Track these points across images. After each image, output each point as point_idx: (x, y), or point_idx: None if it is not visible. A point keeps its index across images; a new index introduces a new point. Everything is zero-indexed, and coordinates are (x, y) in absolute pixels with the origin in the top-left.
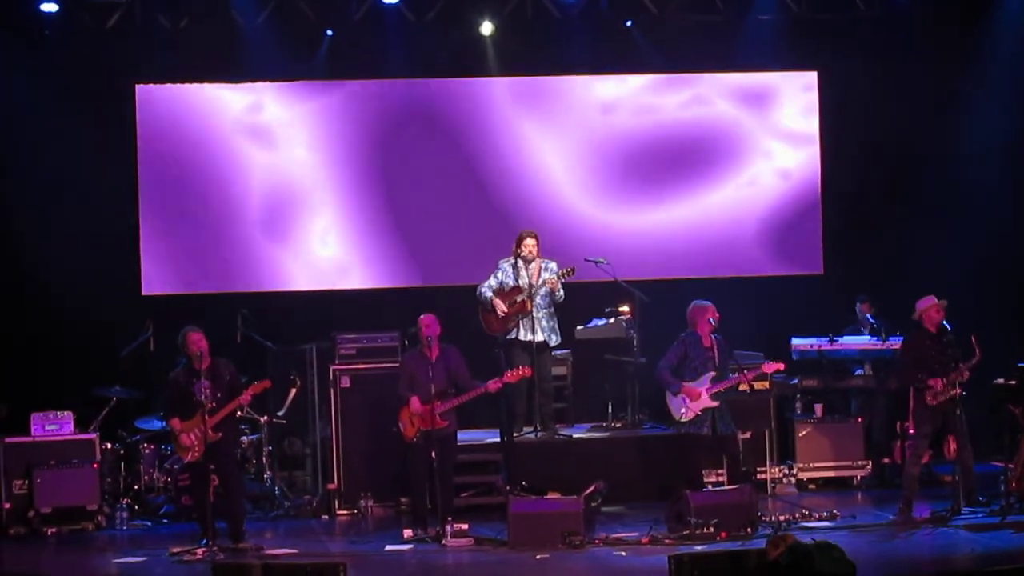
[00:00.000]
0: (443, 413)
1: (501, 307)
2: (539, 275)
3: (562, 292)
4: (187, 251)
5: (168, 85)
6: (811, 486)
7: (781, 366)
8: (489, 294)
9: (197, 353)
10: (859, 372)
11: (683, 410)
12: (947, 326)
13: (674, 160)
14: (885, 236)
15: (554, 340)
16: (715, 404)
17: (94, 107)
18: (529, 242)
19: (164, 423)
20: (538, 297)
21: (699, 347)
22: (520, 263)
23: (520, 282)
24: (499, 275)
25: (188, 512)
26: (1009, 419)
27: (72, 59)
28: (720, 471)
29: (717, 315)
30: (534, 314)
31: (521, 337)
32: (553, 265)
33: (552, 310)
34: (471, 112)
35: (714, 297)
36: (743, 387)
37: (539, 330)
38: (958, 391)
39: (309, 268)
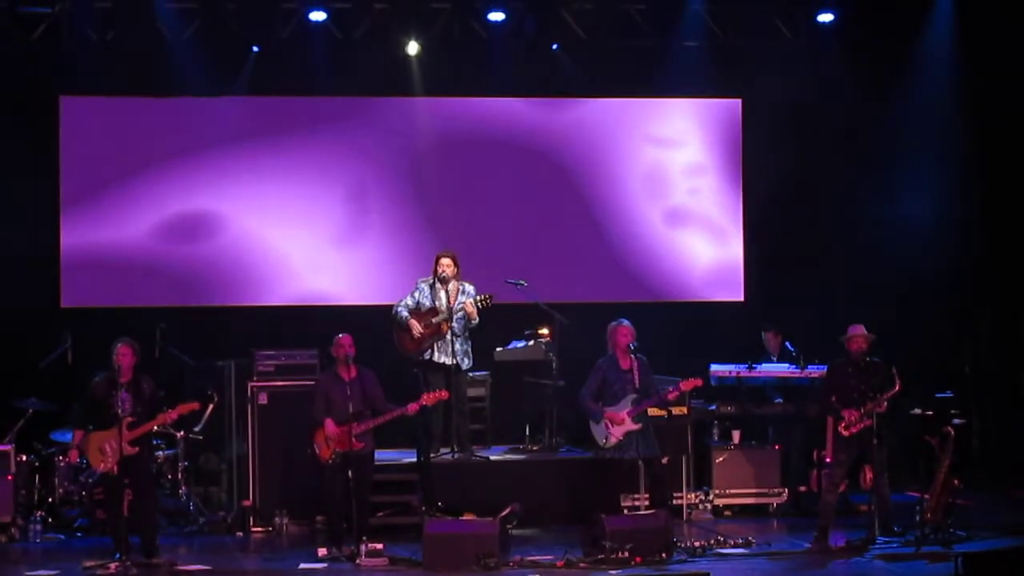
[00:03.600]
0: (359, 434)
1: (417, 328)
2: (456, 296)
3: (477, 319)
4: (108, 264)
5: (93, 98)
6: (727, 512)
7: (699, 382)
8: (405, 314)
9: (118, 365)
10: (778, 400)
11: (607, 436)
12: (876, 360)
13: (597, 183)
14: (806, 263)
15: (466, 364)
16: (638, 427)
17: (18, 118)
18: (445, 261)
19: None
20: (454, 320)
21: (617, 370)
22: (438, 284)
23: (437, 303)
24: (416, 295)
25: (102, 526)
26: (926, 450)
27: None
28: (637, 496)
29: (632, 334)
30: (448, 336)
31: (435, 359)
32: (471, 288)
33: (467, 334)
34: (395, 131)
35: (634, 322)
36: (662, 412)
37: (453, 353)
38: (872, 422)
39: (228, 284)
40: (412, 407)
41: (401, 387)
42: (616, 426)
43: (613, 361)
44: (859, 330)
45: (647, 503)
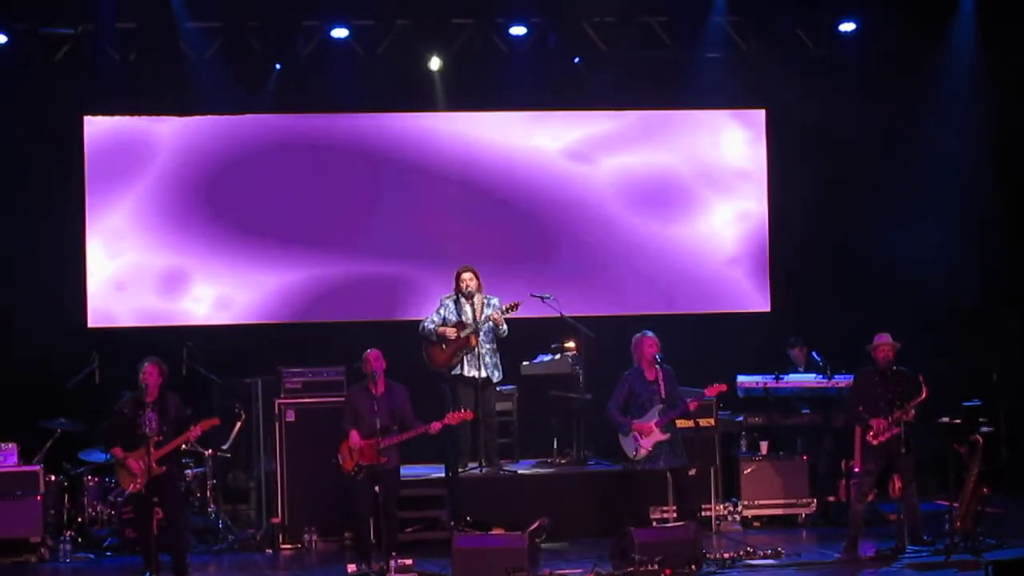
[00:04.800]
0: (384, 449)
1: (452, 332)
2: (482, 310)
3: (505, 327)
4: (134, 283)
5: (116, 118)
6: (756, 523)
7: (723, 387)
8: (432, 327)
9: (145, 385)
10: (805, 411)
11: (636, 448)
12: (902, 369)
13: (620, 196)
14: (832, 274)
15: (497, 376)
16: (666, 437)
17: (42, 139)
18: (466, 276)
19: (107, 453)
20: (481, 333)
21: (643, 382)
22: (462, 299)
23: (463, 318)
24: (442, 311)
25: (132, 545)
26: (954, 458)
27: (21, 90)
28: (666, 507)
29: (656, 345)
30: (478, 350)
31: (465, 373)
32: (496, 300)
33: (495, 346)
34: (419, 147)
35: (660, 333)
36: (689, 424)
37: (483, 366)
38: (900, 430)
39: (255, 301)
40: (435, 426)
41: (431, 402)
42: (645, 437)
43: (639, 373)
44: (885, 339)
45: (675, 515)
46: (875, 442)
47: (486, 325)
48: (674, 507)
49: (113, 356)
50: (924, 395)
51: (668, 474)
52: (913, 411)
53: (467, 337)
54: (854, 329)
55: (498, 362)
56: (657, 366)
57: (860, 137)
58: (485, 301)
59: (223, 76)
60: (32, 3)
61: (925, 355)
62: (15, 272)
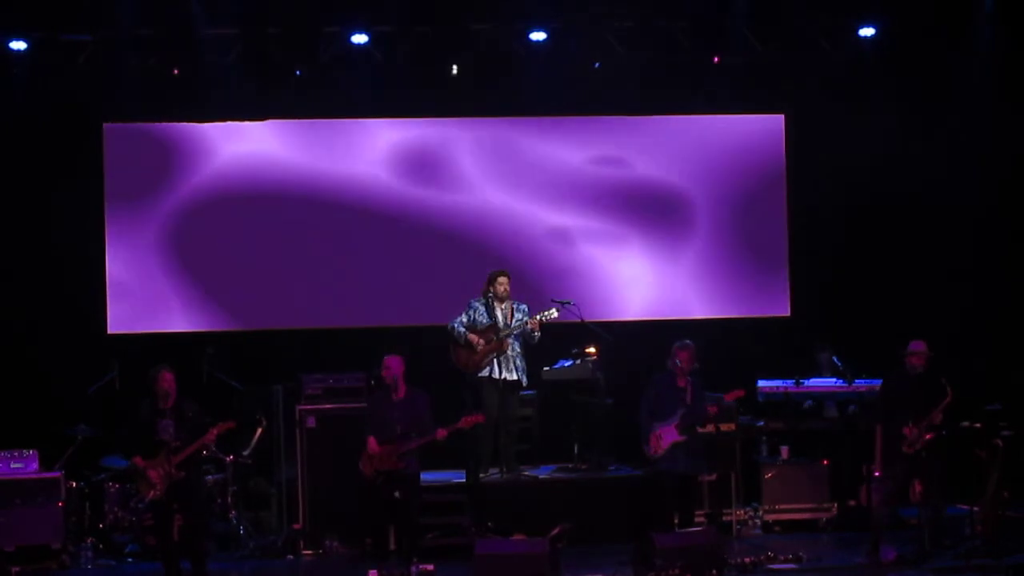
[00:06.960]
0: (401, 455)
1: (479, 342)
2: (512, 315)
3: (539, 333)
4: (154, 290)
5: (136, 124)
6: (777, 528)
7: (741, 393)
8: (462, 330)
9: (165, 391)
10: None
11: (653, 448)
12: (927, 374)
13: (641, 202)
14: (852, 278)
15: (524, 381)
16: (682, 439)
17: (62, 145)
18: (503, 280)
19: (126, 461)
20: (512, 337)
21: (671, 387)
22: (494, 302)
23: (495, 321)
24: (472, 313)
25: (153, 552)
26: (975, 462)
27: (40, 98)
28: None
29: (680, 357)
30: (509, 353)
31: (495, 375)
32: (525, 307)
33: (522, 351)
34: (439, 152)
35: (680, 338)
36: (710, 428)
37: (514, 369)
38: (932, 435)
39: (276, 308)
40: (441, 432)
41: (455, 405)
42: (662, 438)
43: (670, 377)
44: (921, 347)
45: (698, 519)
46: (911, 451)
47: (518, 329)
48: (703, 512)
49: (133, 363)
50: (949, 398)
51: (681, 478)
52: (939, 416)
53: (502, 340)
54: (875, 333)
55: (525, 367)
56: (689, 376)
57: (879, 141)
58: (515, 306)
59: (242, 82)
60: (51, 10)
61: (947, 358)
62: (35, 279)
